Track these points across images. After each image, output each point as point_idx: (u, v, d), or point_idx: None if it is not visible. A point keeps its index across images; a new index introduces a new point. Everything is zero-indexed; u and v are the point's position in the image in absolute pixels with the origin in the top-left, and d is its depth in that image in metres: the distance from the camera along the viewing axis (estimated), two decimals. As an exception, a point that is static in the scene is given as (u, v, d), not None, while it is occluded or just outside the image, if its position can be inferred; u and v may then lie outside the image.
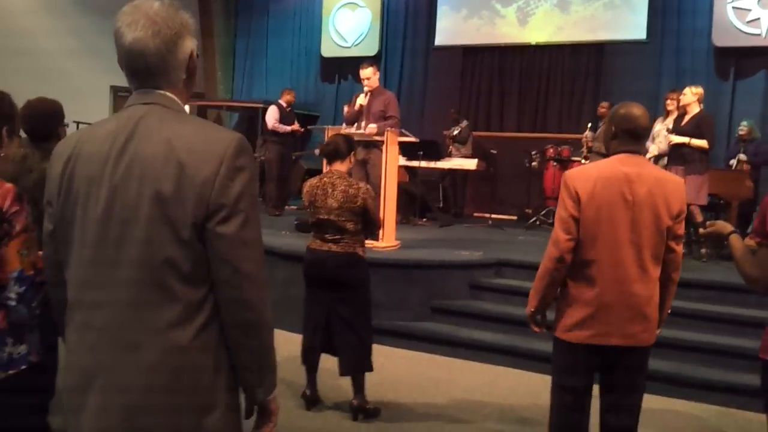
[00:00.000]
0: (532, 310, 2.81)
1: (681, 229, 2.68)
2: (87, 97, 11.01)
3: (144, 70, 1.46)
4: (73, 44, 11.49)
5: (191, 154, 1.39)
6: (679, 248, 2.70)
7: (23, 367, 2.01)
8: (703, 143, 6.11)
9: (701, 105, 6.37)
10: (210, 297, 1.43)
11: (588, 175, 2.67)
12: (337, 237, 3.82)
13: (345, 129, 6.89)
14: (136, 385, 1.39)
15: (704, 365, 4.64)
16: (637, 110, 2.70)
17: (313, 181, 3.92)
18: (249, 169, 1.44)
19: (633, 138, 2.68)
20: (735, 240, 2.33)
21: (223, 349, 1.45)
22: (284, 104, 8.85)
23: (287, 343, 4.10)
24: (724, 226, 2.48)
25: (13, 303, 1.94)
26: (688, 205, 5.94)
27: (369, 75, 6.26)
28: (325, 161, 4.06)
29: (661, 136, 6.71)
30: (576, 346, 2.68)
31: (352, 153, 3.97)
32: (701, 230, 2.57)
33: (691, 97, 6.30)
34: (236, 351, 1.46)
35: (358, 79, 10.81)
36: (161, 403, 1.39)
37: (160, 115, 1.45)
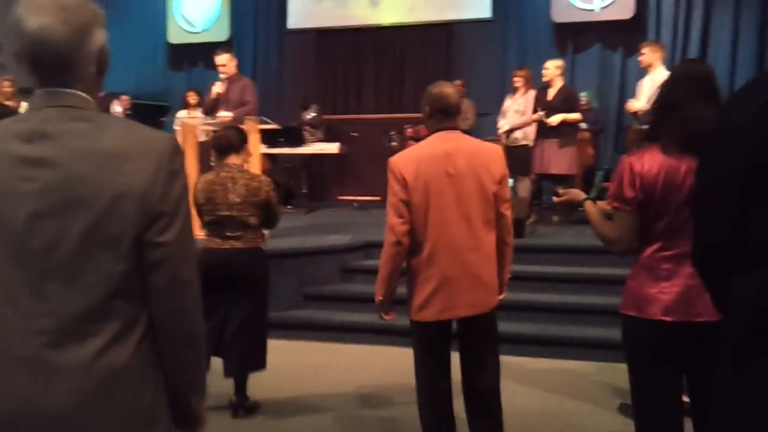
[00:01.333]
0: (380, 298, 2.88)
1: (507, 193, 2.85)
2: None
3: (51, 61, 1.29)
4: None
5: (123, 161, 1.28)
6: (509, 212, 2.85)
7: None
8: (577, 116, 6.46)
9: (563, 78, 6.71)
10: (145, 309, 1.34)
11: (411, 157, 2.78)
12: (238, 233, 3.65)
13: (201, 119, 6.67)
14: (74, 409, 1.27)
15: (572, 324, 4.94)
16: (447, 89, 2.85)
17: (208, 176, 3.72)
18: (184, 172, 1.36)
19: (446, 115, 2.82)
20: (590, 206, 2.48)
21: (158, 360, 1.38)
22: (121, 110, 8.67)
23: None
24: (578, 193, 2.64)
25: None
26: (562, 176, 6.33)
27: (225, 62, 6.08)
28: (213, 155, 3.86)
29: (511, 111, 7.03)
30: (429, 324, 2.81)
31: (246, 144, 3.82)
32: (555, 198, 2.73)
33: (554, 71, 6.61)
34: (172, 360, 1.39)
35: (210, 66, 10.45)
36: (106, 424, 1.30)
37: (77, 119, 1.30)
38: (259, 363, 3.81)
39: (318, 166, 9.81)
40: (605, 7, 8.76)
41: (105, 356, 1.29)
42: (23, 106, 7.75)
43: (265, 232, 3.99)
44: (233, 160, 3.74)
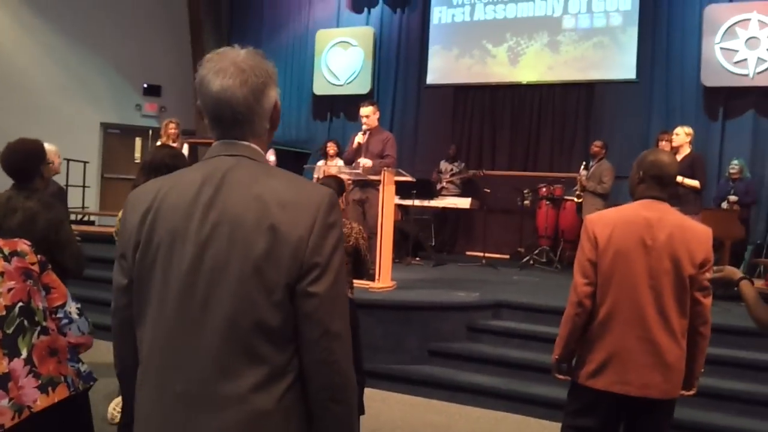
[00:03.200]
0: (557, 357, 2.77)
1: (707, 281, 2.59)
2: (77, 133, 10.98)
3: (230, 118, 1.41)
4: (62, 80, 11.48)
5: (284, 211, 1.33)
6: (707, 301, 2.60)
7: (91, 383, 2.11)
8: (695, 183, 6.15)
9: (692, 145, 6.44)
10: (295, 359, 1.36)
11: (608, 219, 2.67)
12: None
13: (338, 167, 6.90)
14: None
15: (713, 410, 4.55)
16: (665, 157, 2.72)
17: None
18: (339, 225, 1.40)
19: (659, 184, 2.68)
20: (746, 286, 2.30)
21: (305, 414, 1.38)
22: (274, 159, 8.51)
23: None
24: (734, 271, 2.45)
25: (76, 316, 2.08)
26: None
27: (369, 113, 6.27)
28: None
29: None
30: (597, 393, 2.62)
31: (344, 194, 3.93)
32: (708, 275, 2.54)
33: (684, 137, 6.37)
34: (320, 415, 1.39)
35: (350, 117, 11.02)
36: None
37: (248, 169, 1.39)
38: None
39: (449, 220, 9.82)
40: (760, 72, 8.29)
41: (251, 399, 1.32)
42: (185, 147, 8.35)
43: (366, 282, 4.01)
44: None
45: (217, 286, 1.32)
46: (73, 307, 2.05)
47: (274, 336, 1.33)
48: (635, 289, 2.56)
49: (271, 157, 8.93)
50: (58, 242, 2.76)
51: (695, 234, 2.62)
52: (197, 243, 1.34)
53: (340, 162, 8.07)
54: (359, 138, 6.29)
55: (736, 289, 2.36)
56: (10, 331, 1.91)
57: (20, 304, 1.92)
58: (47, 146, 4.65)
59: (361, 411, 3.86)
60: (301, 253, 1.32)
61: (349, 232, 3.76)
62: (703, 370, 2.72)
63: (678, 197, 6.16)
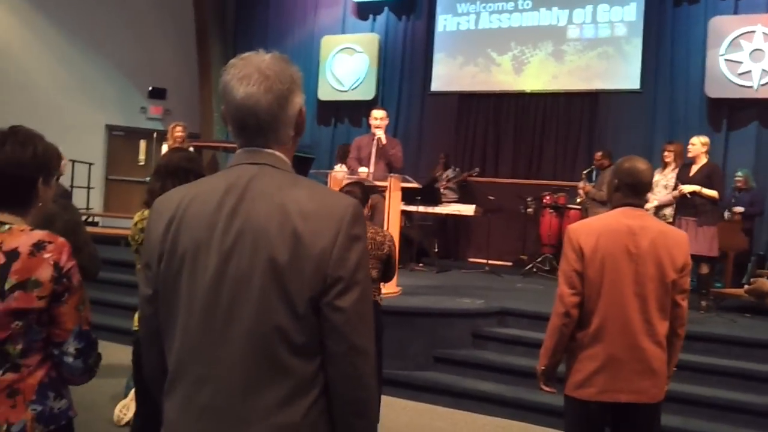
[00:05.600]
0: (543, 368, 2.79)
1: (687, 283, 2.70)
2: (81, 134, 11.01)
3: (254, 126, 1.39)
4: (68, 82, 11.51)
5: (307, 221, 1.31)
6: (685, 303, 2.70)
7: (63, 422, 1.93)
8: (713, 193, 6.15)
9: (708, 155, 6.45)
10: (321, 372, 1.35)
11: (591, 228, 2.70)
12: None
13: (345, 171, 6.94)
14: None
15: (722, 422, 4.56)
16: (641, 164, 2.74)
17: None
18: (364, 238, 1.37)
19: (636, 192, 2.72)
20: None
21: (329, 429, 1.37)
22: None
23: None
24: (764, 283, 2.49)
25: (70, 359, 1.89)
26: (700, 257, 6.01)
27: (383, 116, 6.37)
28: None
29: (659, 186, 6.77)
30: (586, 404, 2.65)
31: (368, 200, 3.95)
32: (745, 287, 2.59)
33: (700, 147, 6.37)
34: (342, 429, 1.38)
35: (354, 123, 11.05)
36: None
37: (272, 177, 1.37)
38: None
39: (452, 226, 9.84)
40: (764, 84, 8.33)
41: (277, 413, 1.31)
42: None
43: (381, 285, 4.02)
44: None
45: (241, 296, 1.31)
46: (71, 347, 1.88)
47: (298, 349, 1.31)
48: (622, 297, 2.60)
49: None
50: (75, 244, 2.76)
51: (675, 239, 2.69)
52: (221, 253, 1.33)
53: (343, 167, 8.11)
54: (380, 134, 6.30)
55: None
56: None
57: None
58: None
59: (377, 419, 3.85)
60: (324, 265, 1.30)
61: (383, 240, 3.78)
62: (675, 369, 2.79)
63: (695, 207, 6.18)
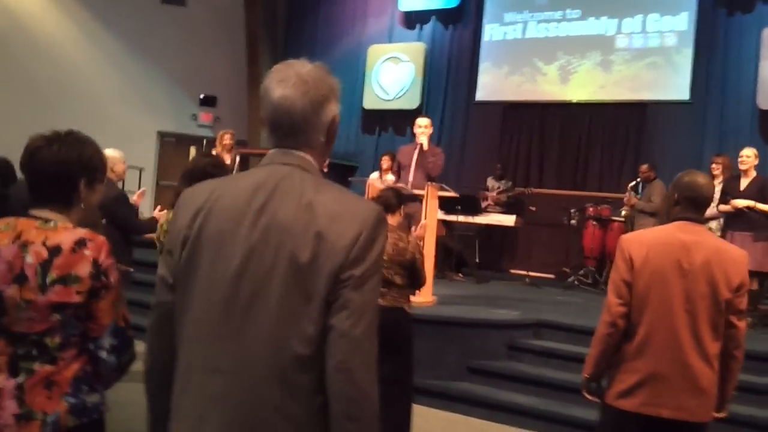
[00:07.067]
0: (587, 376, 2.77)
1: (743, 304, 2.62)
2: (134, 141, 11.34)
3: (287, 126, 1.45)
4: (122, 89, 11.91)
5: (332, 222, 1.36)
6: (741, 324, 2.62)
7: (95, 416, 2.00)
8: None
9: (756, 168, 6.30)
10: (322, 374, 1.36)
11: (644, 240, 2.67)
12: (384, 290, 3.74)
13: (381, 181, 7.00)
14: None
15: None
16: (701, 179, 2.71)
17: None
18: (383, 240, 1.42)
19: (695, 206, 2.67)
20: None
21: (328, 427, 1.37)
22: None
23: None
24: None
25: (104, 354, 1.96)
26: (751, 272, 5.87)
27: (428, 123, 6.41)
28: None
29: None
30: (626, 414, 2.61)
31: (402, 206, 3.99)
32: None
33: (754, 159, 6.23)
34: (342, 423, 1.36)
35: (398, 132, 11.12)
36: None
37: (301, 179, 1.42)
38: (401, 429, 3.82)
39: (495, 237, 9.79)
40: (820, 96, 8.07)
41: (286, 407, 1.34)
42: (237, 158, 8.55)
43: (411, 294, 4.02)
44: (389, 219, 3.89)
45: (262, 290, 1.35)
46: (106, 343, 1.94)
47: (312, 346, 1.34)
48: (671, 312, 2.56)
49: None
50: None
51: (732, 257, 2.63)
52: (246, 246, 1.37)
53: (391, 177, 8.15)
54: (423, 140, 6.31)
55: None
56: (21, 352, 1.89)
57: (33, 336, 1.89)
58: (112, 152, 4.88)
59: (408, 429, 3.84)
60: (342, 262, 1.34)
61: (406, 246, 3.79)
62: (734, 392, 2.71)
63: (750, 222, 6.03)
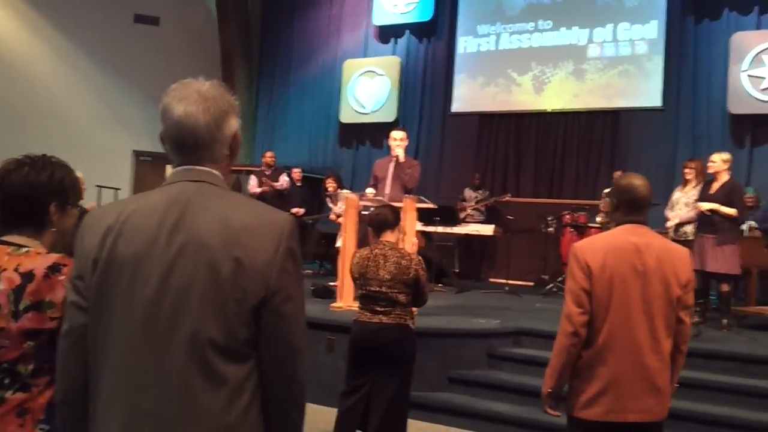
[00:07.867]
0: (549, 390, 2.73)
1: (691, 300, 2.67)
2: (109, 161, 11.27)
3: (192, 143, 1.46)
4: (97, 108, 11.82)
5: (248, 235, 1.39)
6: (688, 319, 2.68)
7: None
8: (732, 211, 6.06)
9: (730, 172, 6.35)
10: (253, 374, 1.41)
11: (597, 246, 2.66)
12: (388, 309, 3.75)
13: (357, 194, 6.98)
14: None
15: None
16: (637, 181, 2.72)
17: (363, 252, 3.88)
18: (298, 250, 1.46)
19: (634, 208, 2.70)
20: None
21: (263, 425, 1.44)
22: (263, 167, 9.28)
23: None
24: None
25: None
26: (721, 275, 5.93)
27: (403, 136, 6.38)
28: (370, 232, 4.03)
29: (680, 203, 6.68)
30: (592, 425, 2.61)
31: (399, 222, 3.97)
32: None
33: (720, 164, 6.27)
34: (277, 424, 1.46)
35: (375, 145, 11.13)
36: None
37: (211, 194, 1.44)
38: None
39: (473, 246, 9.82)
40: (790, 99, 8.23)
41: (216, 415, 1.36)
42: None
43: (414, 309, 4.02)
44: (388, 237, 3.87)
45: (183, 307, 1.36)
46: None
47: (236, 354, 1.38)
48: (630, 315, 2.57)
49: (285, 177, 9.08)
50: None
51: (678, 256, 2.67)
52: (162, 266, 1.36)
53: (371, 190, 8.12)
54: (399, 152, 6.27)
55: None
56: None
57: (5, 364, 1.83)
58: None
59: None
60: (266, 276, 1.38)
61: (409, 263, 3.76)
62: (677, 385, 2.75)
63: (714, 225, 6.08)
